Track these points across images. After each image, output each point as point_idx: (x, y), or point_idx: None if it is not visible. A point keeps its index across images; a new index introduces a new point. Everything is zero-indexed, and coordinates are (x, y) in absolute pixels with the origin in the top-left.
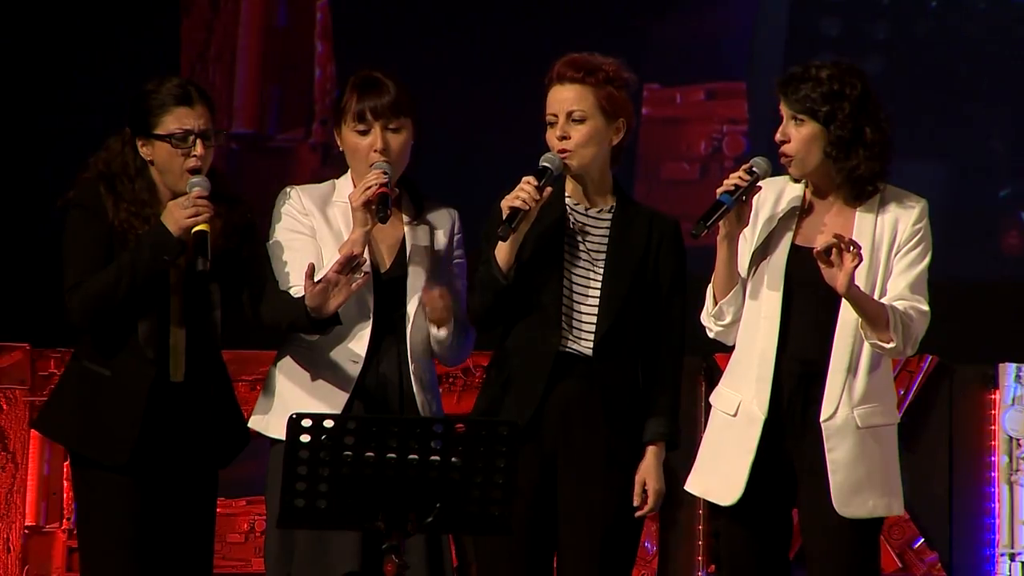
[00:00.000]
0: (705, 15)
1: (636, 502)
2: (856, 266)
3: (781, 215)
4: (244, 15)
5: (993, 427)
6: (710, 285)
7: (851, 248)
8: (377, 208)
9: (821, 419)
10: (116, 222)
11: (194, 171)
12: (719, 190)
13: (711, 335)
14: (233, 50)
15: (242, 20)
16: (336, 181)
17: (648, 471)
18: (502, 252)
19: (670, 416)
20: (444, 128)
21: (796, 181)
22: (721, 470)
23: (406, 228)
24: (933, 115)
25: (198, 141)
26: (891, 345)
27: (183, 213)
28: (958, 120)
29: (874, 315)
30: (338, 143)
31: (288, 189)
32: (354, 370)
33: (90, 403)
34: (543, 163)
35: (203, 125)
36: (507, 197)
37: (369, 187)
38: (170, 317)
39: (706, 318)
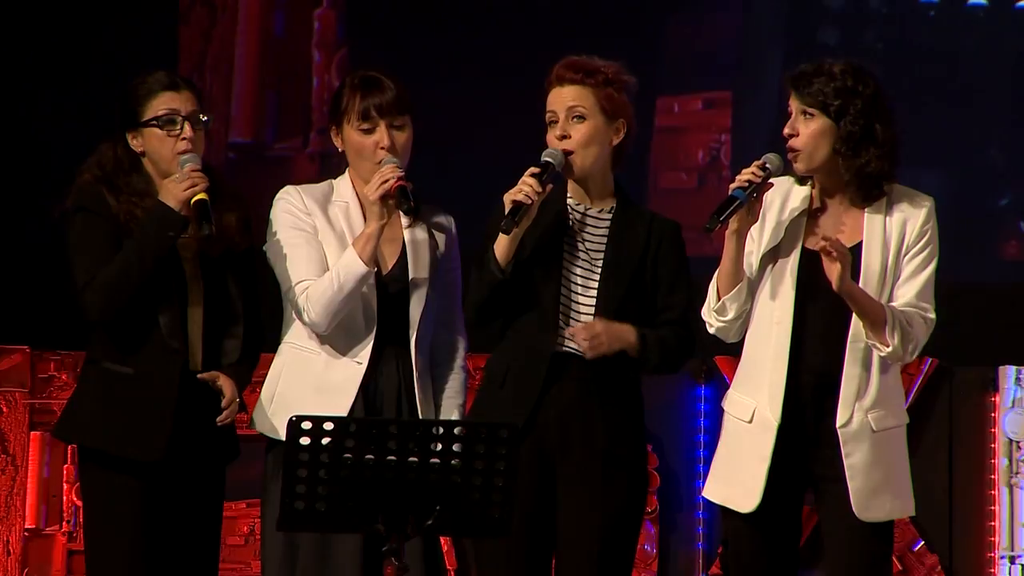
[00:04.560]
0: (702, 24)
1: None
2: (845, 261)
3: (790, 218)
4: (242, 24)
5: (993, 430)
6: (713, 280)
7: (836, 246)
8: (399, 200)
9: (837, 425)
10: (121, 216)
11: (185, 153)
12: (732, 185)
13: (711, 330)
14: (231, 59)
15: (240, 29)
16: (334, 181)
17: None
18: (501, 247)
19: (660, 340)
20: (442, 132)
21: (801, 183)
22: (739, 477)
23: (405, 230)
24: (932, 124)
25: (186, 124)
26: (888, 349)
27: (180, 187)
28: (958, 129)
29: (872, 314)
30: (337, 144)
31: (288, 188)
32: (358, 373)
33: (116, 403)
34: (545, 158)
35: (190, 108)
36: (509, 191)
37: (386, 180)
38: (188, 307)
39: (707, 313)
